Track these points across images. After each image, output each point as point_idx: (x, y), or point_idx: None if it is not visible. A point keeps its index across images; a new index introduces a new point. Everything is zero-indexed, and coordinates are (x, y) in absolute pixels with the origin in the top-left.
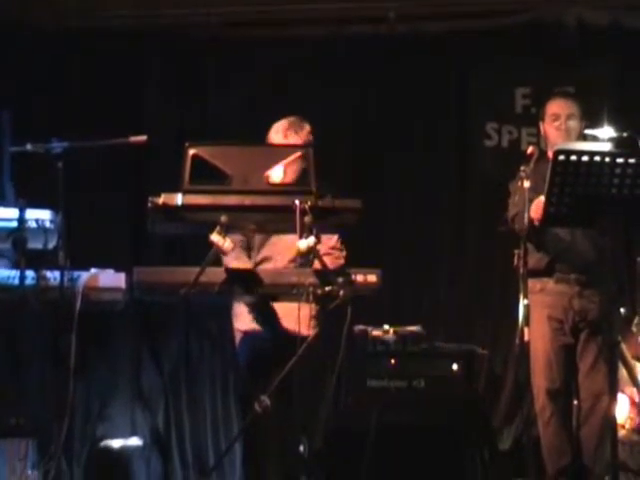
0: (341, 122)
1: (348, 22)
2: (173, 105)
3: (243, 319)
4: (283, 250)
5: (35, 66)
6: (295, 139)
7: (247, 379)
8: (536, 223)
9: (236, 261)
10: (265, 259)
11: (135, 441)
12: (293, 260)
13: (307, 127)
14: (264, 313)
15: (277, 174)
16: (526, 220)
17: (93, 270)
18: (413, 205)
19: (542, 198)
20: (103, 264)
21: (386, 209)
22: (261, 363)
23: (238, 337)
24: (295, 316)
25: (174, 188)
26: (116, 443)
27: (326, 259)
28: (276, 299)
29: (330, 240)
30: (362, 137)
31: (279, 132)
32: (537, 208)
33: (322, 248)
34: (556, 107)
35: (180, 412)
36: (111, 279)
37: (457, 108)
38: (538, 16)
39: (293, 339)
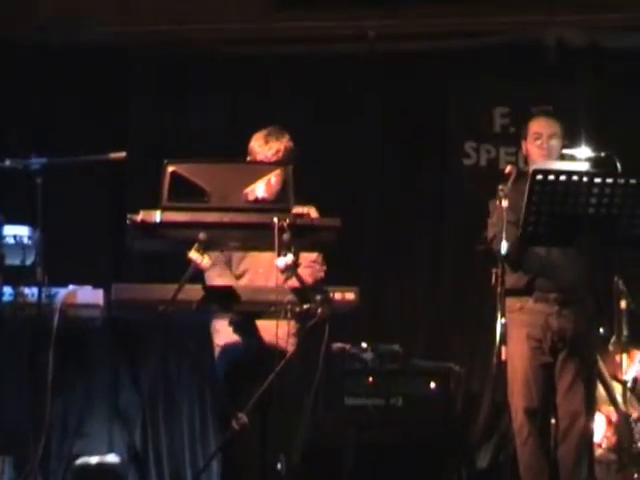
0: (322, 140)
1: (328, 41)
2: (155, 121)
3: (222, 334)
4: (262, 263)
5: (17, 81)
6: (277, 144)
7: (225, 392)
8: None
9: (220, 278)
10: (245, 272)
11: (112, 458)
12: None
13: (287, 134)
14: (245, 326)
15: (260, 189)
16: (505, 239)
17: (71, 287)
18: (392, 223)
19: None
20: (83, 281)
21: (365, 227)
22: (239, 376)
23: (217, 351)
24: (274, 333)
25: (153, 205)
26: (93, 460)
27: (306, 271)
28: (254, 317)
29: (311, 254)
30: (342, 154)
31: (259, 139)
32: None
33: (303, 261)
34: (538, 126)
35: (158, 429)
36: (89, 296)
37: (436, 127)
38: (518, 36)
39: (272, 353)
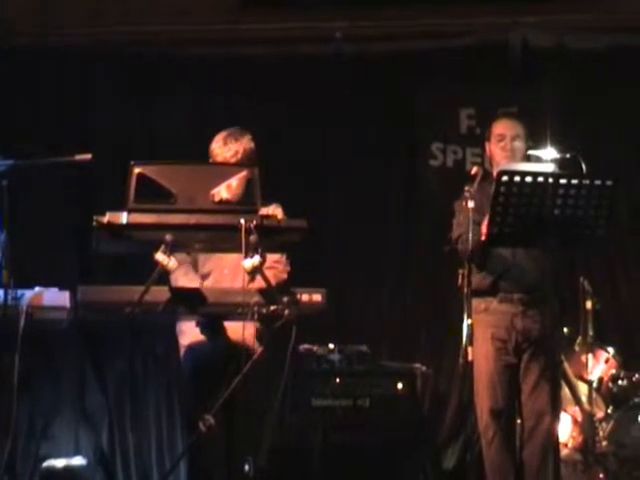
0: (287, 141)
1: (295, 42)
2: (122, 122)
3: (187, 335)
4: (227, 264)
5: None
6: (236, 146)
7: (191, 394)
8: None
9: (185, 277)
10: (210, 273)
11: (79, 460)
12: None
13: (248, 135)
14: (212, 327)
15: (222, 190)
16: (471, 240)
17: (37, 289)
18: (358, 224)
19: None
20: (49, 282)
21: (331, 228)
22: (205, 377)
23: (182, 352)
24: (240, 334)
25: (120, 207)
26: (60, 462)
27: (269, 272)
28: (221, 318)
29: (274, 254)
30: (309, 156)
31: (219, 141)
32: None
33: (266, 262)
34: (502, 128)
35: (124, 431)
36: (55, 298)
37: (403, 128)
38: (484, 38)
39: (238, 354)
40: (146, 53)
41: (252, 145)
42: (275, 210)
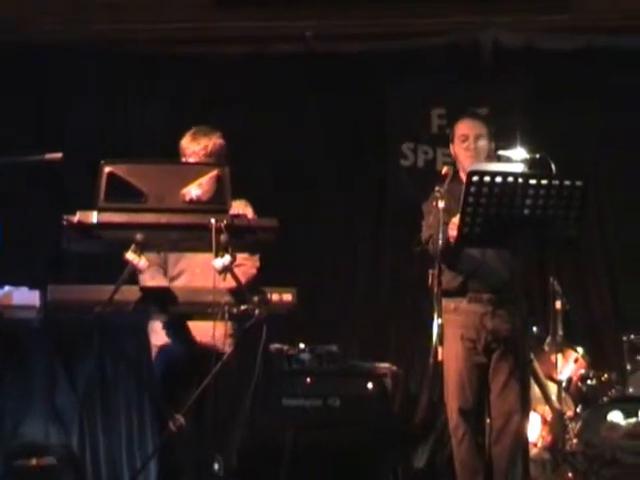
0: (260, 140)
1: (266, 41)
2: (94, 121)
3: (159, 335)
4: (199, 263)
5: None
6: (205, 140)
7: (162, 393)
8: (452, 241)
9: (152, 281)
10: (182, 272)
11: (49, 460)
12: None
13: (218, 132)
14: (178, 330)
15: (192, 189)
16: (441, 240)
17: (7, 288)
18: (329, 224)
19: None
20: (19, 282)
21: (302, 228)
22: (177, 377)
23: (154, 352)
24: (211, 334)
25: (90, 206)
26: (30, 462)
27: (238, 270)
28: (191, 317)
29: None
30: (280, 156)
31: (188, 136)
32: (454, 227)
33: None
34: (464, 128)
35: (95, 431)
36: (25, 297)
37: (374, 128)
38: (454, 38)
39: (209, 354)
40: (116, 52)
41: (222, 141)
42: (244, 208)
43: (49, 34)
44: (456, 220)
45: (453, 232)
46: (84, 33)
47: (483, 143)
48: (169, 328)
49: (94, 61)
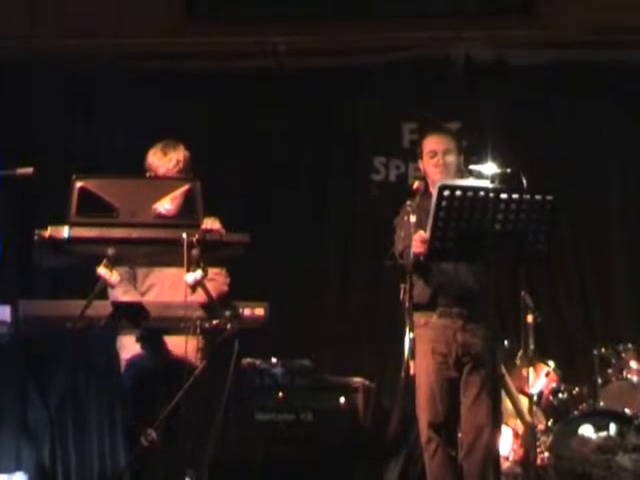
0: (229, 155)
1: (236, 56)
2: (63, 136)
3: (128, 349)
4: (169, 277)
5: None
6: (176, 154)
7: (132, 408)
8: (420, 257)
9: (125, 295)
10: (151, 287)
11: (20, 476)
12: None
13: (182, 145)
14: (152, 343)
15: (166, 204)
16: (412, 255)
17: None
18: (300, 238)
19: (422, 233)
20: None
21: (273, 242)
22: (146, 390)
23: (123, 366)
24: (182, 348)
25: (61, 220)
26: (1, 478)
27: (209, 285)
28: (163, 332)
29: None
30: (250, 171)
31: (157, 152)
32: (418, 243)
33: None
34: (432, 144)
35: (66, 446)
36: None
37: (346, 142)
38: (426, 52)
39: (180, 368)
40: (87, 66)
41: (188, 153)
42: (213, 224)
43: (10, 50)
44: (417, 237)
45: (417, 249)
46: (50, 48)
47: (452, 158)
48: (143, 341)
49: (61, 75)
